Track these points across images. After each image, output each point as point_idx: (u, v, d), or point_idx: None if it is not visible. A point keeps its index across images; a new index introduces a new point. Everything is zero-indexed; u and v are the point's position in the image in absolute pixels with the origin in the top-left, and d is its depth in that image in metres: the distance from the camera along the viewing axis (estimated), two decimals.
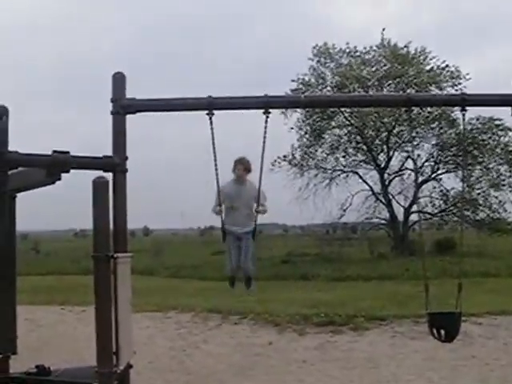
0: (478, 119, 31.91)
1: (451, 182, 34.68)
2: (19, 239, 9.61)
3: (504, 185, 32.74)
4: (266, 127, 6.82)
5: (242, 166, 8.26)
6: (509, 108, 6.90)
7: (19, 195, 7.86)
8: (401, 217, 35.32)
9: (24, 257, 26.94)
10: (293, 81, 34.14)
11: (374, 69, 34.12)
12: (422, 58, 33.61)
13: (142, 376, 8.74)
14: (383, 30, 34.23)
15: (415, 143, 33.44)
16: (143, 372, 9.00)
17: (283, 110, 31.69)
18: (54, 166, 6.23)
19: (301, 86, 34.02)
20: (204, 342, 11.82)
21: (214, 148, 6.95)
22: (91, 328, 6.32)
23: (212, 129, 6.77)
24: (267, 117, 6.77)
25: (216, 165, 7.08)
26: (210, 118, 6.74)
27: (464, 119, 7.47)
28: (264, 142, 6.90)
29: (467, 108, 6.97)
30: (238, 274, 8.44)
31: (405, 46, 33.73)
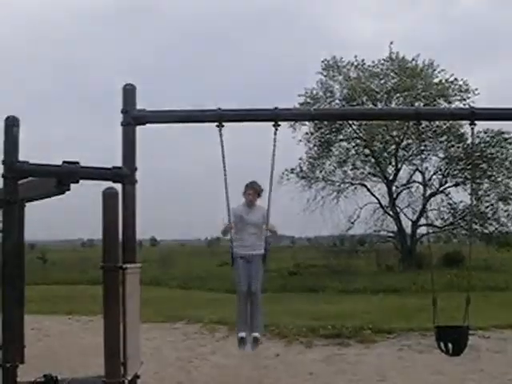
0: (486, 132, 31.83)
1: (459, 195, 34.60)
2: (27, 249, 9.64)
3: None
4: (275, 139, 6.85)
5: (253, 191, 8.46)
6: None
7: (27, 205, 7.89)
8: (409, 230, 35.26)
9: (31, 266, 27.01)
10: (300, 95, 34.19)
11: (382, 82, 34.12)
12: (430, 71, 33.59)
13: None
14: (391, 43, 34.25)
15: (423, 156, 33.42)
16: (150, 382, 9.00)
17: (292, 124, 31.77)
18: (64, 177, 6.26)
19: (308, 99, 34.03)
20: (211, 353, 11.81)
21: (223, 159, 6.97)
22: (98, 338, 6.34)
23: (222, 140, 6.80)
24: (276, 129, 6.79)
25: (225, 175, 7.07)
26: (220, 130, 6.77)
27: (473, 133, 7.45)
28: (274, 154, 6.94)
29: (476, 122, 6.98)
30: (246, 331, 8.36)
31: (413, 60, 33.73)
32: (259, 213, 8.31)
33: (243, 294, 8.32)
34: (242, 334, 8.35)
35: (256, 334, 8.29)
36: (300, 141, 34.70)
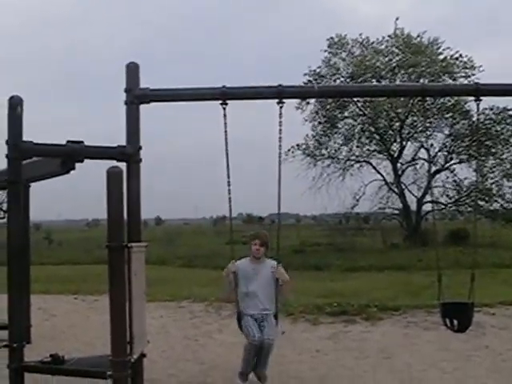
0: (491, 109, 31.81)
1: (464, 172, 34.64)
2: (32, 229, 9.67)
3: None
4: (280, 115, 6.80)
5: (259, 241, 7.86)
6: None
7: (32, 185, 7.90)
8: (414, 207, 35.35)
9: (37, 247, 27.11)
10: (305, 74, 34.13)
11: (387, 59, 34.02)
12: (435, 48, 33.49)
13: (156, 365, 8.78)
14: (397, 19, 34.18)
15: (428, 133, 33.38)
16: (157, 361, 9.04)
17: (297, 104, 31.73)
18: (68, 156, 6.26)
19: (312, 78, 33.95)
20: (217, 331, 11.82)
21: (226, 139, 6.90)
22: (104, 317, 6.35)
23: (225, 118, 6.76)
24: (281, 107, 6.76)
25: (227, 154, 6.92)
26: (224, 109, 6.74)
27: (478, 109, 7.42)
28: (280, 131, 6.89)
29: (481, 98, 6.94)
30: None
31: (418, 36, 33.63)
32: (268, 270, 7.75)
33: (254, 347, 7.60)
34: (247, 371, 7.92)
35: (262, 373, 7.87)
36: (306, 120, 34.74)
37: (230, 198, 7.06)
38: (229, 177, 6.98)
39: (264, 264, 7.85)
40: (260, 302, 7.68)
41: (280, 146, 6.93)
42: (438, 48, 33.47)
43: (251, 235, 7.97)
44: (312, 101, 32.50)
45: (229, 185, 7.02)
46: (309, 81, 33.41)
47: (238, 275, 7.57)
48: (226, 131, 6.85)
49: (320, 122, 35.21)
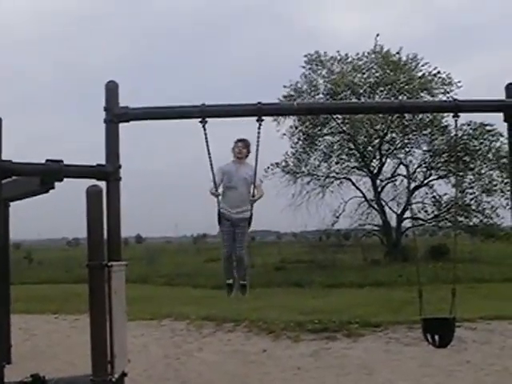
0: (469, 125, 31.98)
1: (443, 187, 34.73)
2: (12, 248, 9.59)
3: (496, 190, 32.69)
4: (258, 134, 6.85)
5: (243, 144, 8.34)
6: (501, 114, 6.94)
7: (11, 204, 7.85)
8: (394, 223, 35.41)
9: (17, 266, 26.90)
10: (285, 86, 34.21)
11: (365, 75, 34.17)
12: (413, 64, 33.68)
13: None
14: (377, 35, 34.28)
15: (407, 150, 33.50)
16: (138, 380, 9.00)
17: (276, 118, 31.74)
18: (48, 175, 6.23)
19: (293, 92, 34.07)
20: (199, 349, 11.80)
21: (209, 154, 7.01)
22: (85, 336, 6.32)
23: (206, 135, 6.78)
24: (260, 124, 6.78)
25: (211, 164, 7.15)
26: (204, 126, 6.75)
27: (457, 125, 7.49)
28: (257, 150, 6.99)
29: (459, 114, 7.00)
30: (234, 281, 8.56)
31: (397, 53, 33.80)
32: (247, 170, 8.17)
33: (227, 257, 8.49)
34: (230, 281, 8.62)
35: (243, 282, 8.55)
36: (284, 135, 34.78)
37: (217, 191, 7.73)
38: (217, 190, 7.69)
39: (244, 166, 8.36)
40: (237, 200, 8.25)
41: (256, 162, 7.17)
42: (417, 65, 33.67)
43: (236, 140, 8.42)
44: (291, 116, 32.55)
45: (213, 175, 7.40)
46: (290, 95, 33.55)
47: (222, 173, 8.14)
48: (208, 149, 6.92)
49: (299, 139, 35.25)
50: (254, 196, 7.87)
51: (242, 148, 8.33)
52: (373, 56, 34.21)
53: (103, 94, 6.90)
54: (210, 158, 7.05)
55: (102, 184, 6.45)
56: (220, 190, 8.02)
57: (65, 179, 6.36)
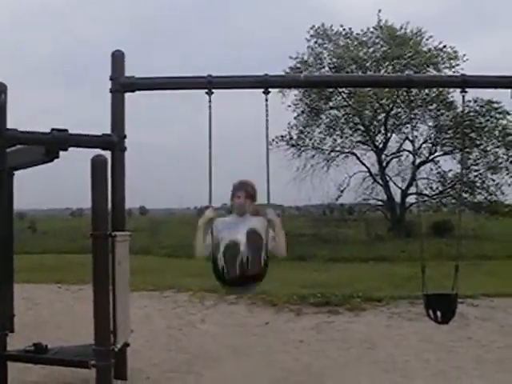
0: (476, 101, 31.81)
1: (448, 164, 34.62)
2: (16, 218, 9.60)
3: (501, 168, 32.64)
4: (266, 105, 6.72)
5: (244, 193, 6.27)
6: (508, 90, 6.90)
7: (16, 174, 7.84)
8: (398, 198, 35.37)
9: (21, 236, 26.97)
10: (291, 57, 34.02)
11: (371, 50, 33.98)
12: (418, 38, 33.47)
13: (139, 354, 8.76)
14: (379, 11, 34.09)
15: (413, 125, 33.35)
16: (140, 350, 9.02)
17: (281, 89, 31.58)
18: (53, 144, 6.23)
19: (299, 64, 33.90)
20: (201, 321, 11.82)
21: (210, 128, 6.59)
22: (88, 306, 6.33)
23: (210, 107, 6.69)
24: (267, 96, 6.73)
25: (210, 147, 6.48)
26: (209, 97, 6.69)
27: (464, 101, 7.45)
28: (267, 120, 6.63)
29: (467, 90, 6.96)
30: None
31: (402, 27, 33.60)
32: (254, 222, 6.23)
33: None
34: None
35: None
36: (289, 106, 34.60)
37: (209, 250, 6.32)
38: (210, 167, 6.33)
39: (249, 220, 6.30)
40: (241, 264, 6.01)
41: (267, 135, 6.73)
42: (422, 39, 33.44)
43: (234, 186, 6.35)
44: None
45: (210, 176, 6.32)
46: (296, 67, 33.40)
47: (216, 233, 6.17)
48: (210, 121, 6.66)
49: (303, 112, 35.07)
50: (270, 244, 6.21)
51: (244, 199, 6.29)
52: (378, 32, 34.01)
53: (104, 65, 6.87)
54: (210, 132, 6.53)
55: (107, 154, 6.43)
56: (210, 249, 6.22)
57: (69, 149, 6.35)
